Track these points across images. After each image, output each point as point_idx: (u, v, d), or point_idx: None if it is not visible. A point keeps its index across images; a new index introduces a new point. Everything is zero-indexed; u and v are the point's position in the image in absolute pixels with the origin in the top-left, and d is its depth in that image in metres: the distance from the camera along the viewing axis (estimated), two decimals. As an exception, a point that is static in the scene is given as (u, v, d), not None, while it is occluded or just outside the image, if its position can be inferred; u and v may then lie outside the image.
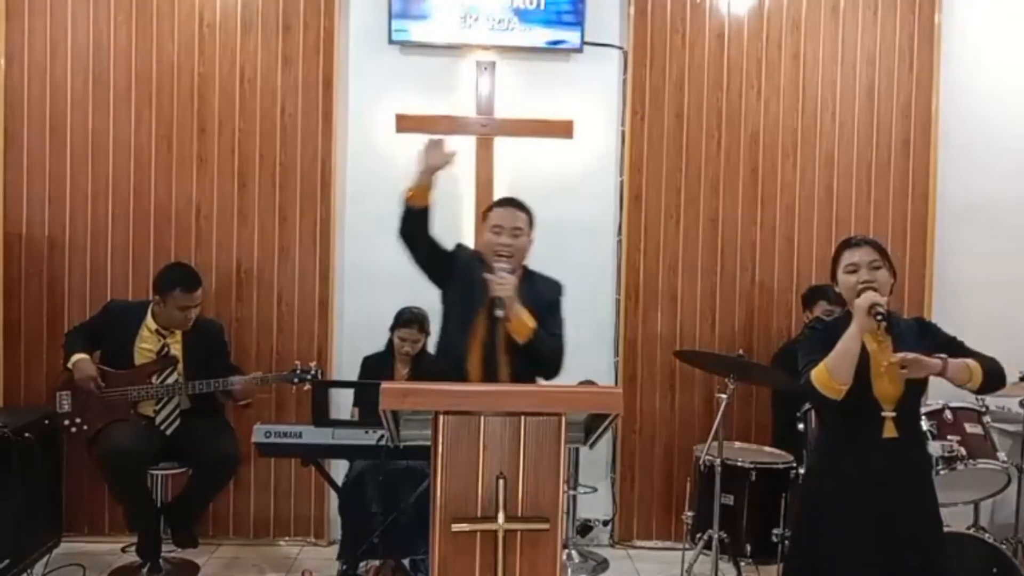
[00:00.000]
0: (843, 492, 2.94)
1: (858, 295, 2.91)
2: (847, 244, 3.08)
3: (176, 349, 4.32)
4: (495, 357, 3.34)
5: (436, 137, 3.42)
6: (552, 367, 3.43)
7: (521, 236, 3.45)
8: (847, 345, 2.85)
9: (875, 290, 2.90)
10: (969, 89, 5.00)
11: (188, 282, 4.29)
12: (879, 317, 2.82)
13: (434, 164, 3.39)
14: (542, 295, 3.48)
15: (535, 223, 3.53)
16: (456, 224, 4.71)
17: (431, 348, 4.06)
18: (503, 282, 3.28)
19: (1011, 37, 5.05)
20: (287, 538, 4.92)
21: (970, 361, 2.92)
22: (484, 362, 3.36)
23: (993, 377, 2.95)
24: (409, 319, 4.37)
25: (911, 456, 3.02)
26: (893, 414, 2.93)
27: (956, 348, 3.03)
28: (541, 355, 3.39)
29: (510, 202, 3.58)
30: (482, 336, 3.37)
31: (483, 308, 3.34)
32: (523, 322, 3.33)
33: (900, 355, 2.83)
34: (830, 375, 2.85)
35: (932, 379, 2.99)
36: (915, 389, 2.98)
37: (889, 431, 2.93)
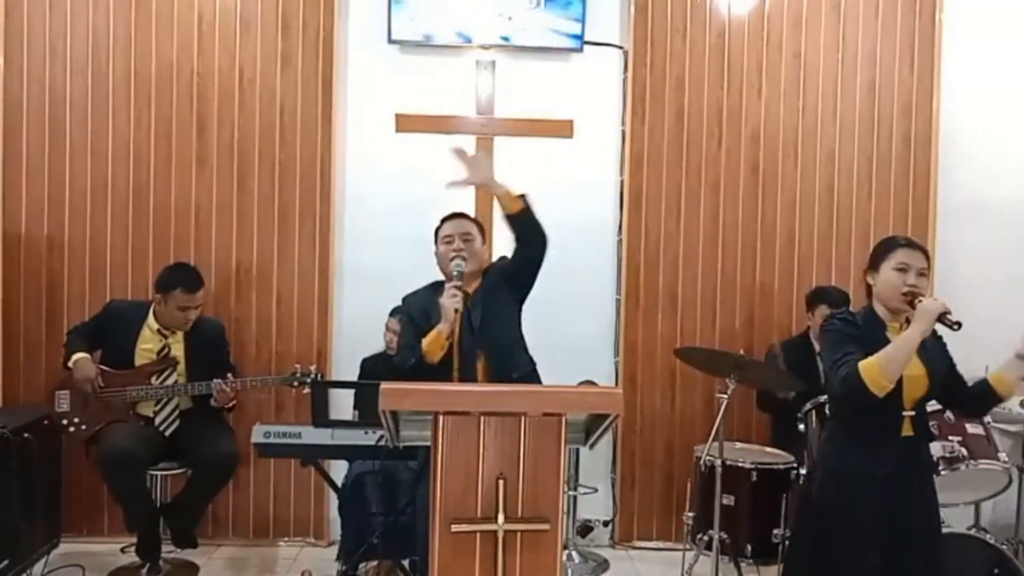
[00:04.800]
0: (855, 490, 2.94)
1: (908, 300, 2.89)
2: (900, 243, 3.04)
3: (177, 350, 4.32)
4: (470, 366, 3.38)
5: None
6: (543, 240, 3.47)
7: (472, 241, 3.56)
8: (905, 347, 2.83)
9: (923, 295, 2.90)
10: (970, 87, 5.00)
11: (191, 282, 4.29)
12: (956, 326, 2.82)
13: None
14: (498, 275, 3.59)
15: (485, 233, 3.65)
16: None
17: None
18: (453, 295, 3.33)
19: (1012, 34, 5.04)
20: (287, 539, 4.91)
21: None
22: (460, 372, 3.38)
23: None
24: (394, 310, 4.34)
25: (923, 455, 3.05)
26: (912, 413, 2.95)
27: (953, 369, 3.08)
28: (535, 225, 3.44)
29: (456, 215, 3.71)
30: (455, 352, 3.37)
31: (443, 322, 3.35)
32: (510, 193, 3.42)
33: None
34: (883, 372, 2.81)
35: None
36: (937, 391, 3.00)
37: (907, 430, 2.95)
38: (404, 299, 3.68)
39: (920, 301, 2.86)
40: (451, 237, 3.56)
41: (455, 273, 3.41)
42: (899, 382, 2.88)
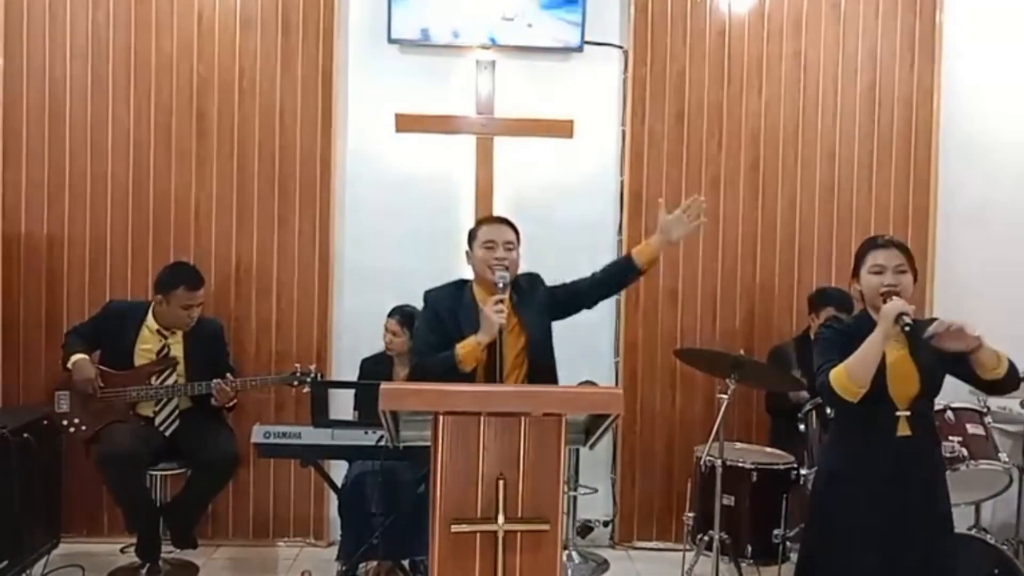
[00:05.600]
0: (854, 491, 2.94)
1: (883, 299, 2.89)
2: (874, 244, 3.04)
3: (177, 350, 4.32)
4: (499, 374, 3.32)
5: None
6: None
7: (513, 250, 3.45)
8: (870, 351, 2.83)
9: (898, 294, 2.89)
10: (970, 86, 4.99)
11: (192, 281, 4.29)
12: (907, 328, 2.80)
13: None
14: (535, 293, 3.51)
15: (521, 238, 3.53)
16: (455, 225, 4.69)
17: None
18: (499, 309, 3.26)
19: (1012, 35, 5.04)
20: (286, 539, 4.91)
21: (999, 350, 2.90)
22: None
23: (1012, 373, 2.94)
24: (393, 311, 4.33)
25: (924, 455, 3.01)
26: (907, 413, 2.93)
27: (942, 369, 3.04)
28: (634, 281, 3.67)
29: (497, 219, 3.61)
30: (484, 361, 3.32)
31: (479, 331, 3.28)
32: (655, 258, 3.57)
33: (946, 321, 2.80)
34: (849, 378, 2.83)
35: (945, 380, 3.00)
36: (931, 389, 2.98)
37: (903, 430, 2.93)
38: (427, 294, 3.54)
39: (890, 301, 2.86)
40: (493, 243, 3.41)
41: (499, 286, 3.31)
42: (883, 383, 2.88)
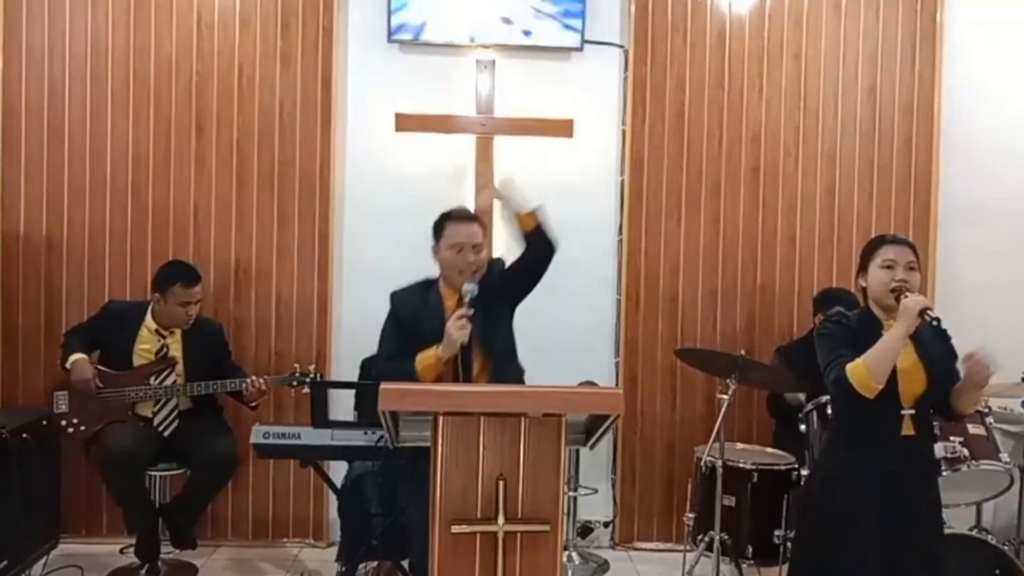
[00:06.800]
0: (854, 488, 2.94)
1: (895, 295, 2.89)
2: (885, 240, 3.05)
3: (175, 349, 4.32)
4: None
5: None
6: (554, 250, 3.40)
7: (482, 251, 3.38)
8: (891, 345, 2.83)
9: (910, 291, 2.90)
10: (971, 88, 4.99)
11: (188, 277, 4.29)
12: (935, 322, 2.83)
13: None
14: (493, 288, 3.41)
15: (487, 230, 3.51)
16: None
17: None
18: (463, 325, 3.21)
19: (1013, 36, 5.03)
20: (286, 539, 4.90)
21: None
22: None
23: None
24: None
25: (924, 454, 3.05)
26: (912, 412, 2.94)
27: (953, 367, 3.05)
28: (548, 238, 3.38)
29: (464, 217, 3.49)
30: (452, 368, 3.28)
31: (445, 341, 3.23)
32: (525, 210, 3.38)
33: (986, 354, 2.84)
34: (870, 373, 2.82)
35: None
36: (937, 388, 2.98)
37: (907, 429, 2.94)
38: (393, 296, 3.50)
39: (905, 297, 2.86)
40: (461, 246, 3.32)
41: (467, 300, 3.22)
42: (893, 380, 2.88)
